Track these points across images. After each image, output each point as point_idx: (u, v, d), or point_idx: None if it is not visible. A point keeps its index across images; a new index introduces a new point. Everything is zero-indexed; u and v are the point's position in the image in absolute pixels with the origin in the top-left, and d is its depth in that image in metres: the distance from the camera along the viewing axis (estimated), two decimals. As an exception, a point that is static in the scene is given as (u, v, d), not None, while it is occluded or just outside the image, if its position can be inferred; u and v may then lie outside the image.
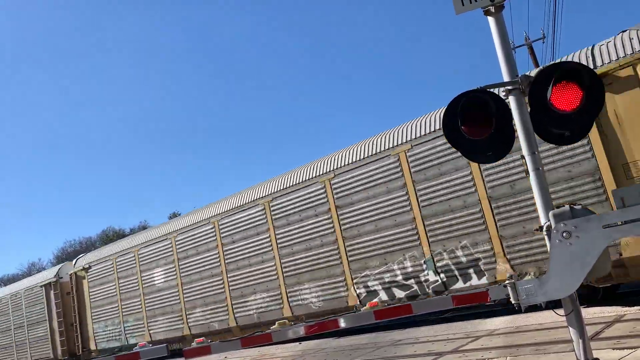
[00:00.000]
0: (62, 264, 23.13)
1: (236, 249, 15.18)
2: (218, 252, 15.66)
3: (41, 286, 22.20)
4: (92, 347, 20.29)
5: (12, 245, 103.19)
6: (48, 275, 22.56)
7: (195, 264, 16.32)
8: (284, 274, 14.02)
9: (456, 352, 8.35)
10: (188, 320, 16.52)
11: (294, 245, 13.84)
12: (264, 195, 14.64)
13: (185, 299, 16.64)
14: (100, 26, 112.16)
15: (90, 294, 20.35)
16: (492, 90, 5.11)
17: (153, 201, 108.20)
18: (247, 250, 14.89)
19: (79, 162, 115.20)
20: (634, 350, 6.14)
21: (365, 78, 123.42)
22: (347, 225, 12.80)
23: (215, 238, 15.76)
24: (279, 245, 14.15)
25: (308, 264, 13.55)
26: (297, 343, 13.42)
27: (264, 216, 14.49)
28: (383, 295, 12.14)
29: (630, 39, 9.06)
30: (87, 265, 20.58)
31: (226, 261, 15.43)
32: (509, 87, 5.09)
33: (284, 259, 14.03)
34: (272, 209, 14.30)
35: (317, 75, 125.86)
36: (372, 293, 12.28)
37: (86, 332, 20.60)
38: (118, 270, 19.17)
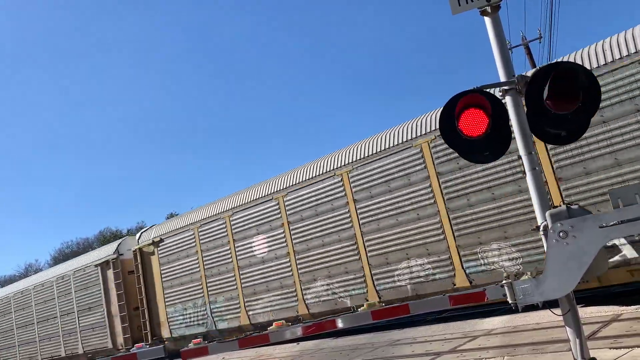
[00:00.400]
0: (122, 239, 19.97)
1: (375, 205, 12.23)
2: (349, 210, 12.70)
3: (96, 265, 19.28)
4: (165, 334, 17.16)
5: (8, 247, 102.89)
6: (105, 252, 19.64)
7: (314, 228, 13.38)
8: (455, 232, 11.05)
9: (454, 352, 8.36)
10: (305, 297, 13.53)
11: (471, 196, 10.81)
12: (421, 134, 11.71)
13: (300, 271, 13.60)
14: (101, 26, 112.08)
15: (163, 271, 17.19)
16: (488, 90, 5.12)
17: (151, 202, 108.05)
18: (392, 206, 11.99)
19: (76, 163, 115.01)
20: (630, 349, 6.15)
21: (365, 78, 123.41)
22: (568, 161, 9.70)
23: (343, 194, 12.83)
24: (445, 197, 11.16)
25: (495, 217, 10.54)
26: (295, 344, 13.41)
27: (421, 159, 11.59)
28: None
29: None
30: (157, 238, 17.41)
31: (361, 221, 12.46)
32: (506, 87, 5.10)
33: (454, 213, 11.08)
34: (432, 150, 11.46)
35: (317, 75, 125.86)
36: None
37: (157, 317, 17.45)
38: (201, 242, 16.04)
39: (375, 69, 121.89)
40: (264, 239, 14.44)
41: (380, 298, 12.09)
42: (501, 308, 11.41)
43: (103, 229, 68.27)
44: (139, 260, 17.96)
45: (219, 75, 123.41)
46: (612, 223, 4.41)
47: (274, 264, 14.24)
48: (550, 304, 4.71)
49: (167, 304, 17.07)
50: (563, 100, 4.81)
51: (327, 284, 13.16)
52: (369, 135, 13.43)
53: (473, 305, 10.73)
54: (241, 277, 15.00)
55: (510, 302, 4.76)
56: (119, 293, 18.40)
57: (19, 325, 23.37)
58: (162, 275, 17.19)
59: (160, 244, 17.35)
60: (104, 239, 59.00)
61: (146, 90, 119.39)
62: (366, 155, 12.59)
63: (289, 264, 13.91)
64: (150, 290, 17.61)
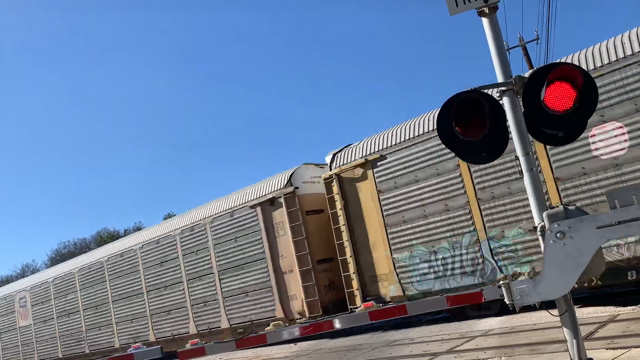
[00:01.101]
0: (295, 168, 14.53)
1: None
2: None
3: (253, 206, 14.35)
4: (391, 291, 12.05)
5: (5, 247, 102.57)
6: (269, 187, 14.43)
7: None
8: None
9: (451, 352, 8.37)
10: None
11: None
12: None
13: None
14: (93, 26, 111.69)
15: (384, 202, 12.17)
16: (486, 91, 5.12)
17: (147, 202, 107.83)
18: None
19: (73, 163, 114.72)
20: (627, 350, 6.17)
21: (364, 78, 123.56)
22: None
23: None
24: None
25: None
26: (293, 344, 13.40)
27: None
28: None
29: None
30: (373, 156, 12.42)
31: None
32: (503, 88, 5.10)
33: None
34: None
35: (313, 77, 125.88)
36: None
37: (369, 269, 12.48)
38: None
39: (371, 69, 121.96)
40: None
41: None
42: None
43: (100, 229, 68.05)
44: (336, 191, 12.94)
45: (213, 77, 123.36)
46: (609, 224, 4.42)
47: None
48: (547, 305, 4.72)
49: (393, 248, 11.98)
50: (560, 101, 4.82)
51: None
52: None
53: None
54: (561, 193, 9.74)
55: (507, 302, 4.76)
56: (298, 240, 13.46)
57: (115, 297, 18.51)
58: (384, 208, 12.17)
59: (379, 164, 12.32)
60: (101, 239, 58.85)
61: (141, 91, 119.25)
62: None
63: None
64: (358, 232, 12.66)
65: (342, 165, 13.06)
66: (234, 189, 16.05)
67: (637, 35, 9.25)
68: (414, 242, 11.79)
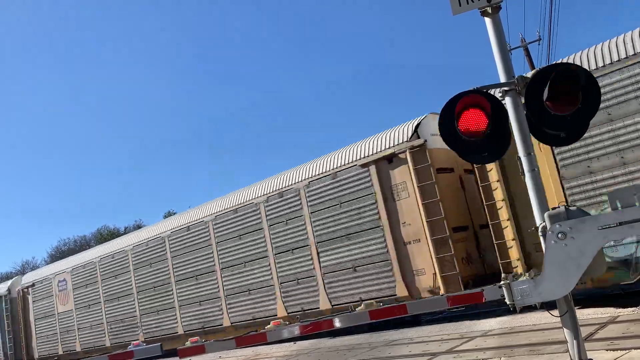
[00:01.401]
0: (421, 117, 12.23)
1: None
2: None
3: (364, 165, 12.12)
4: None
5: (5, 245, 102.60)
6: (388, 140, 12.17)
7: None
8: None
9: (451, 352, 8.37)
10: None
11: None
12: None
13: None
14: (93, 26, 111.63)
15: (557, 150, 9.60)
16: (488, 91, 5.12)
17: (147, 201, 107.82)
18: None
19: (73, 163, 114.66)
20: (627, 351, 6.17)
21: (364, 78, 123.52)
22: None
23: None
24: None
25: None
26: (292, 343, 13.41)
27: None
28: None
29: None
30: None
31: None
32: (506, 88, 5.09)
33: None
34: None
35: (313, 77, 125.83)
36: None
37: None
38: None
39: (370, 68, 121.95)
40: None
41: None
42: (498, 309, 11.43)
43: (100, 227, 68.05)
44: None
45: (212, 76, 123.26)
46: (610, 225, 4.41)
47: None
48: (547, 305, 4.72)
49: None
50: (563, 102, 4.81)
51: None
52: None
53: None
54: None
55: (508, 303, 4.76)
56: (429, 202, 11.12)
57: (179, 277, 16.09)
58: (558, 157, 9.71)
59: None
60: (101, 237, 58.86)
61: (140, 90, 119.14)
62: None
63: None
64: (515, 191, 10.15)
65: None
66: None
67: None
68: (606, 197, 9.36)
